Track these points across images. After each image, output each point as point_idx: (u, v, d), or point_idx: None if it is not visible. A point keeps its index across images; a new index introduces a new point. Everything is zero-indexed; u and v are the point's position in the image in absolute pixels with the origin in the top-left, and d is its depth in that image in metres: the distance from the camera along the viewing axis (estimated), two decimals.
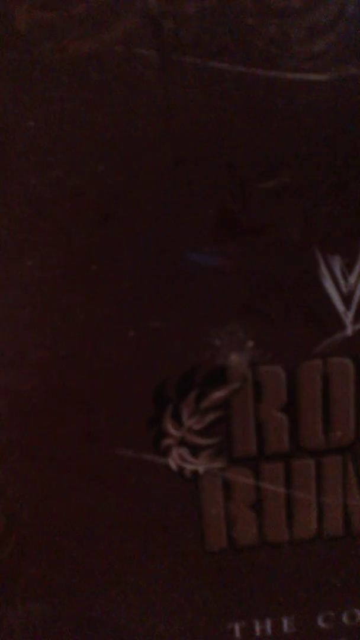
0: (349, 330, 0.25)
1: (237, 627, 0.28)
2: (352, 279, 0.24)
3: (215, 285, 0.24)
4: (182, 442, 0.25)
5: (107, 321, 0.24)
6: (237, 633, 0.28)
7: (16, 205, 0.23)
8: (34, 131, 0.23)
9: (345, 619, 0.28)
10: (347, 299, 0.25)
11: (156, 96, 0.22)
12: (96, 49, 0.22)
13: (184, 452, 0.26)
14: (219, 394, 0.25)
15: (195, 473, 0.26)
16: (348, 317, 0.25)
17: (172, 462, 0.26)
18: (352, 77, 0.22)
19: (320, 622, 0.28)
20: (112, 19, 0.22)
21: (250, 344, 0.25)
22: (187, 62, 0.22)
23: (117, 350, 0.24)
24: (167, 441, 0.25)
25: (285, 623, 0.28)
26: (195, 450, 0.26)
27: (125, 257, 0.24)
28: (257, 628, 0.28)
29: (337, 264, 0.24)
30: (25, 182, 0.23)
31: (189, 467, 0.26)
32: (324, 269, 0.24)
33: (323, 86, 0.22)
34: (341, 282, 0.24)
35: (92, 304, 0.24)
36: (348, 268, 0.24)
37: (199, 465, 0.26)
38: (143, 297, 0.24)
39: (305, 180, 0.23)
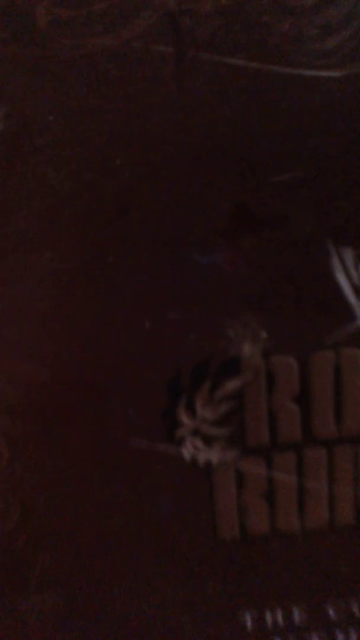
0: None
1: (248, 617, 0.28)
2: None
3: (229, 277, 0.25)
4: (195, 432, 0.26)
5: (123, 313, 0.25)
6: (249, 623, 0.29)
7: (35, 198, 0.24)
8: (53, 125, 0.23)
9: (355, 608, 0.29)
10: (359, 291, 0.25)
11: (173, 92, 0.23)
12: (115, 46, 0.22)
13: (198, 442, 0.26)
14: (232, 385, 0.26)
15: (208, 463, 0.26)
16: (359, 308, 0.25)
17: (186, 452, 0.26)
18: None
19: (331, 612, 0.29)
20: (131, 16, 0.22)
21: (264, 335, 0.25)
22: (204, 58, 0.23)
23: (133, 342, 0.25)
24: (181, 431, 0.26)
25: (295, 613, 0.29)
26: (208, 440, 0.26)
27: (142, 250, 0.24)
28: (269, 618, 0.29)
29: (349, 256, 0.25)
30: (44, 175, 0.24)
31: (202, 457, 0.26)
32: (336, 261, 0.25)
33: (336, 82, 0.23)
34: (353, 273, 0.25)
35: (108, 296, 0.25)
36: None
37: (213, 455, 0.26)
38: (158, 289, 0.25)
39: (318, 174, 0.24)
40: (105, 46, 0.23)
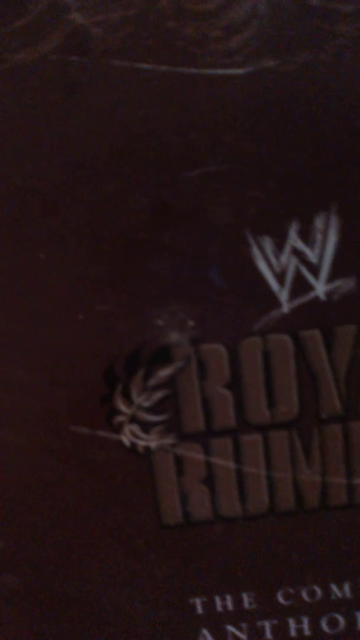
0: (285, 308, 0.27)
1: (198, 602, 0.30)
2: (283, 258, 0.27)
3: (155, 269, 0.27)
4: (133, 419, 0.28)
5: (58, 306, 0.27)
6: (199, 608, 0.30)
7: None
8: None
9: (305, 595, 0.30)
10: (280, 278, 0.27)
11: (90, 98, 0.25)
12: (34, 59, 0.25)
13: (136, 428, 0.28)
14: (164, 373, 0.27)
15: (147, 449, 0.28)
16: (283, 295, 0.27)
17: (125, 439, 0.28)
18: (267, 69, 0.25)
19: (280, 599, 0.30)
20: (47, 31, 0.25)
21: (191, 323, 0.27)
22: (116, 65, 0.25)
23: (69, 333, 0.27)
24: (119, 418, 0.28)
25: (245, 599, 0.30)
26: (146, 427, 0.28)
27: (71, 246, 0.27)
28: (218, 603, 0.30)
29: (268, 244, 0.26)
30: None
31: (141, 443, 0.28)
32: (256, 250, 0.26)
33: (241, 79, 0.25)
34: (273, 261, 0.27)
35: (43, 290, 0.27)
36: (279, 248, 0.26)
37: (151, 441, 0.28)
38: (89, 282, 0.27)
39: (230, 167, 0.26)
40: (25, 60, 0.25)
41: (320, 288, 0.28)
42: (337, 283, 0.28)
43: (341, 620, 0.31)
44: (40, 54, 0.26)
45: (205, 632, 0.31)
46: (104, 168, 0.27)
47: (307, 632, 0.31)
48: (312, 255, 0.27)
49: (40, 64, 0.26)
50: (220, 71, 0.26)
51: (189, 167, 0.27)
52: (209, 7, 0.25)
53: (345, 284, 0.28)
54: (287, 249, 0.27)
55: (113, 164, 0.27)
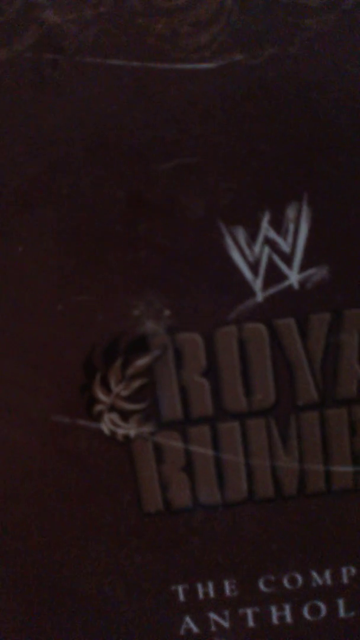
0: (259, 297, 0.28)
1: (180, 590, 0.31)
2: (256, 248, 0.28)
3: (131, 259, 0.28)
4: (112, 408, 0.29)
5: (37, 297, 0.28)
6: (181, 595, 0.31)
7: None
8: None
9: (286, 582, 0.31)
10: (254, 267, 0.28)
11: (64, 94, 0.27)
12: (9, 58, 0.26)
13: (115, 417, 0.29)
14: (141, 362, 0.29)
15: (127, 437, 0.29)
16: (257, 285, 0.28)
17: (105, 427, 0.29)
18: (236, 63, 0.26)
19: (262, 586, 0.31)
20: (21, 30, 0.26)
21: (167, 312, 0.28)
22: (89, 61, 0.27)
23: (48, 324, 0.29)
24: (99, 407, 0.29)
25: (227, 586, 0.31)
26: (125, 415, 0.29)
27: (49, 239, 0.28)
28: (200, 591, 0.31)
29: (240, 234, 0.28)
30: None
31: (120, 432, 0.29)
32: (229, 240, 0.28)
33: (211, 73, 0.27)
34: (247, 251, 0.28)
35: (22, 282, 0.28)
36: (252, 238, 0.28)
37: (130, 429, 0.29)
38: (67, 273, 0.28)
39: (202, 159, 0.27)
40: (3, 57, 0.27)
41: (294, 277, 0.29)
42: (310, 271, 0.29)
43: (323, 607, 0.32)
44: (15, 52, 0.28)
45: (187, 619, 0.32)
46: (79, 162, 0.28)
47: (289, 619, 0.32)
48: (284, 245, 0.29)
49: (15, 61, 0.28)
50: (190, 66, 0.27)
51: (162, 160, 0.28)
52: (178, 3, 0.27)
53: (318, 273, 0.29)
54: (260, 238, 0.29)
55: (88, 158, 0.28)
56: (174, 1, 0.27)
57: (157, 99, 0.28)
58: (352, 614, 0.33)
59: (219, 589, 0.33)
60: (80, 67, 0.28)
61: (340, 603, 0.33)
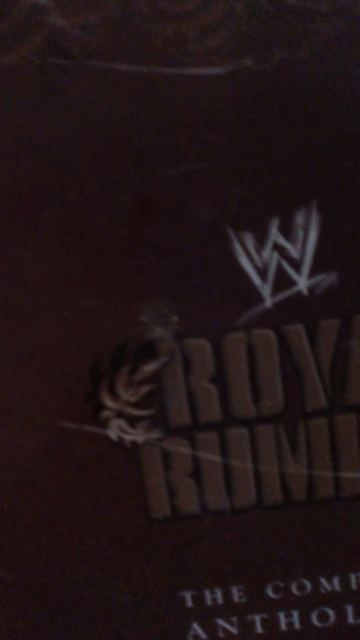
0: (268, 303, 0.28)
1: (188, 596, 0.31)
2: (265, 253, 0.28)
3: (139, 265, 0.28)
4: (119, 414, 0.29)
5: (44, 302, 0.28)
6: (189, 602, 0.31)
7: None
8: None
9: (294, 589, 0.31)
10: (262, 273, 0.28)
11: (71, 98, 0.27)
12: (15, 62, 0.26)
13: (122, 423, 0.29)
14: (149, 367, 0.29)
15: (134, 443, 0.29)
16: (265, 290, 0.28)
17: (112, 433, 0.29)
18: (245, 68, 0.26)
19: (270, 592, 0.31)
20: (28, 34, 0.26)
21: (174, 318, 0.28)
22: (96, 66, 0.26)
23: (55, 329, 0.29)
24: (106, 413, 0.29)
25: (235, 592, 0.31)
26: (132, 422, 0.29)
27: (56, 243, 0.28)
28: (208, 597, 0.31)
29: (249, 240, 0.28)
30: None
31: (128, 438, 0.29)
32: (237, 246, 0.28)
33: (219, 79, 0.26)
34: (255, 257, 0.28)
35: (29, 288, 0.28)
36: (260, 244, 0.28)
37: (137, 435, 0.29)
38: (74, 279, 0.28)
39: (210, 164, 0.27)
40: (7, 63, 0.27)
41: (302, 283, 0.29)
42: (319, 277, 0.29)
43: (331, 613, 0.32)
44: (22, 57, 0.28)
45: (195, 625, 0.32)
46: (87, 167, 0.28)
47: (297, 626, 0.32)
48: (293, 251, 0.29)
49: (21, 66, 0.28)
50: (198, 71, 0.27)
51: (171, 165, 0.28)
52: (186, 7, 0.27)
53: (326, 279, 0.29)
54: (269, 244, 0.29)
55: (95, 163, 0.28)
56: (183, 6, 0.27)
57: (165, 104, 0.28)
58: None
59: (227, 595, 0.33)
60: (87, 71, 0.28)
61: (349, 609, 0.33)
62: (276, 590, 0.33)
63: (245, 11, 0.27)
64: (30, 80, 0.28)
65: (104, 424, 0.31)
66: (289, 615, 0.33)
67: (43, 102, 0.28)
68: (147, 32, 0.28)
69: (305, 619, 0.33)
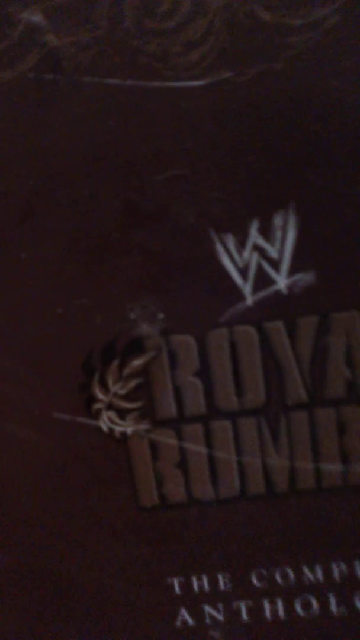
0: (249, 301, 0.30)
1: (176, 583, 0.32)
2: (246, 254, 0.29)
3: (127, 266, 0.30)
4: (110, 406, 0.31)
5: (39, 301, 0.30)
6: (177, 588, 0.33)
7: None
8: None
9: (278, 577, 0.32)
10: (243, 273, 0.30)
11: (63, 111, 0.29)
12: (13, 78, 0.29)
13: (113, 415, 0.31)
14: (137, 362, 0.30)
15: (124, 434, 0.31)
16: (246, 289, 0.30)
17: (103, 424, 0.31)
18: (225, 80, 0.28)
19: (254, 580, 0.32)
20: (24, 52, 0.29)
21: (161, 316, 0.30)
22: (87, 81, 0.29)
23: (49, 326, 0.31)
24: (97, 405, 0.31)
25: (220, 579, 0.32)
26: (122, 413, 0.31)
27: (50, 246, 0.30)
28: (195, 584, 0.32)
29: (230, 241, 0.29)
30: None
31: (117, 429, 0.31)
32: (219, 247, 0.29)
33: (201, 90, 0.28)
34: (236, 257, 0.29)
35: (25, 287, 0.30)
36: (241, 244, 0.29)
37: (127, 427, 0.31)
38: (67, 279, 0.30)
39: (194, 171, 0.29)
40: (8, 78, 0.29)
41: (282, 282, 0.30)
42: (298, 276, 0.30)
43: (314, 602, 0.34)
44: (19, 73, 0.30)
45: (183, 611, 0.34)
46: (78, 175, 0.30)
47: (281, 613, 0.34)
48: (272, 251, 0.30)
49: (19, 81, 0.30)
50: (181, 83, 0.29)
51: (156, 171, 0.30)
52: (169, 25, 0.29)
53: (305, 277, 0.30)
54: (249, 245, 0.30)
55: (86, 171, 0.30)
56: (166, 23, 0.29)
57: (150, 115, 0.30)
58: (343, 609, 0.34)
59: (213, 582, 0.34)
60: (79, 86, 0.30)
61: (332, 598, 0.34)
62: (260, 578, 0.34)
63: (224, 27, 0.29)
64: (26, 94, 0.31)
65: (96, 415, 0.33)
66: (273, 602, 0.34)
67: (38, 114, 0.31)
68: (133, 49, 0.30)
69: (289, 607, 0.34)
